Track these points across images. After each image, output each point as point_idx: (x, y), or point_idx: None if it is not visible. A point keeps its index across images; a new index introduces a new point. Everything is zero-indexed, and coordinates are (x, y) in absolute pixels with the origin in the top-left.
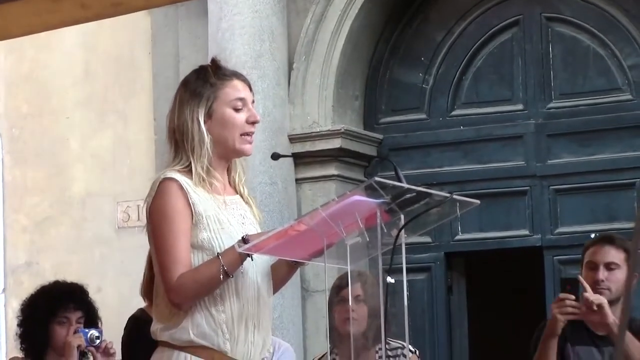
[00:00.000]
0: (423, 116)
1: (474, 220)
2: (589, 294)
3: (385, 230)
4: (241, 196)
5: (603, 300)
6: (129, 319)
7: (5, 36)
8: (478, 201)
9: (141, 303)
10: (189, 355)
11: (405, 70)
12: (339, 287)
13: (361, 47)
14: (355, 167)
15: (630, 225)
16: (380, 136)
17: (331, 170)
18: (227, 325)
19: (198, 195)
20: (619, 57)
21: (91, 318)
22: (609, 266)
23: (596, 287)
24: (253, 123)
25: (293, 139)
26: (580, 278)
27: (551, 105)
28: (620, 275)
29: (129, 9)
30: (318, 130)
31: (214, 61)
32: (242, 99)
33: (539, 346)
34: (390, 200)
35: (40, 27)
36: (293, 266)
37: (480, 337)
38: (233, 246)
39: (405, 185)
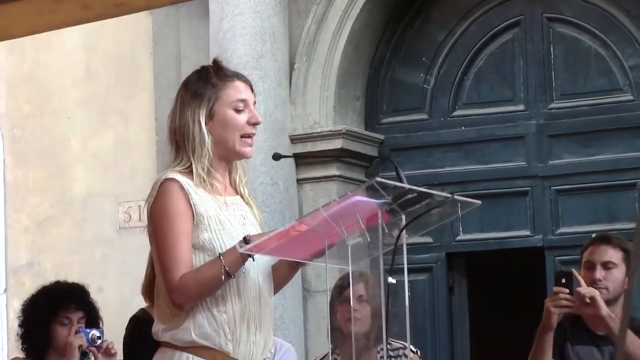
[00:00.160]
0: (424, 116)
1: (475, 221)
2: (582, 288)
3: (387, 231)
4: (242, 197)
5: (595, 292)
6: (130, 319)
7: (7, 36)
8: (479, 202)
9: (142, 303)
10: (190, 356)
11: (407, 70)
12: (342, 287)
13: (362, 48)
14: (357, 167)
15: (632, 225)
16: (382, 136)
17: (332, 170)
18: (228, 325)
19: (199, 196)
20: (620, 58)
21: (92, 318)
22: (606, 265)
23: (593, 286)
24: (254, 124)
25: (294, 140)
26: (575, 272)
27: (552, 105)
28: (617, 274)
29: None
30: (319, 130)
31: (215, 62)
32: (243, 100)
33: (535, 340)
34: (391, 200)
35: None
36: (294, 266)
37: (481, 338)
38: (234, 246)
39: (406, 185)
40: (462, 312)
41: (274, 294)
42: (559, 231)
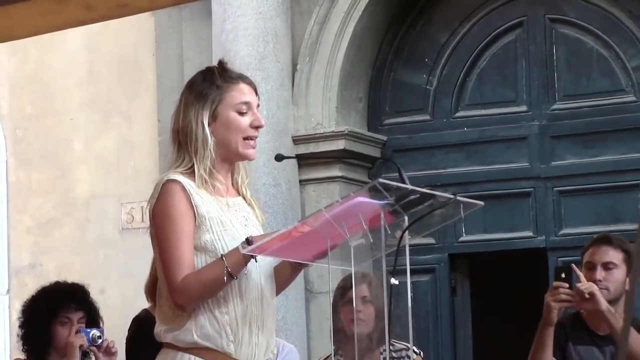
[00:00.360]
0: (427, 117)
1: (478, 222)
2: (581, 284)
3: (389, 232)
4: (244, 198)
5: (594, 288)
6: (133, 319)
7: (10, 37)
8: (482, 202)
9: (145, 304)
10: (193, 357)
11: (409, 71)
12: (345, 288)
13: (365, 49)
14: (359, 168)
15: (634, 226)
16: (384, 137)
17: (335, 171)
18: (230, 326)
19: (201, 197)
20: (623, 59)
21: (92, 318)
22: (607, 266)
23: None
24: (257, 127)
25: (297, 141)
26: (574, 266)
27: (555, 106)
28: (618, 275)
29: (133, 10)
30: (322, 131)
31: (220, 63)
32: (247, 103)
33: (535, 336)
34: (394, 201)
35: (45, 29)
36: (297, 268)
37: (484, 339)
38: (237, 248)
39: (409, 186)
40: (464, 313)
41: (276, 295)
42: (561, 232)
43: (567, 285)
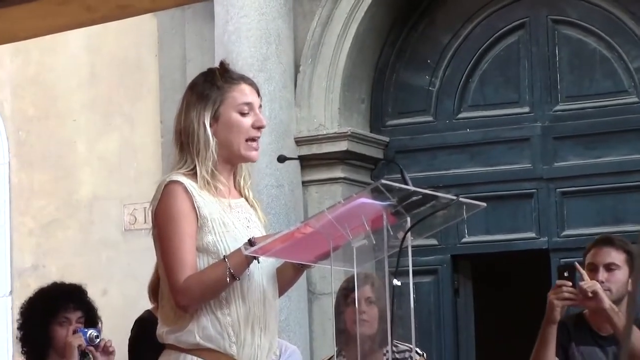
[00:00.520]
0: (429, 119)
1: (481, 223)
2: (584, 282)
3: (392, 233)
4: (246, 200)
5: (597, 286)
6: (136, 321)
7: (12, 39)
8: (484, 204)
9: (147, 305)
10: (195, 358)
11: (412, 72)
12: (348, 290)
13: (367, 50)
14: (362, 169)
15: (637, 227)
16: (387, 139)
17: (337, 172)
18: (233, 328)
19: (203, 198)
20: (626, 60)
21: (91, 318)
22: (609, 267)
23: None
24: (259, 128)
25: (299, 142)
26: (577, 265)
27: (557, 107)
28: (620, 276)
29: (134, 11)
30: (324, 132)
31: (222, 64)
32: (248, 104)
33: (538, 334)
34: (396, 202)
35: (46, 30)
36: (299, 269)
37: (486, 340)
38: (239, 249)
39: (411, 187)
40: (467, 314)
41: (279, 296)
42: (564, 233)
43: (570, 283)
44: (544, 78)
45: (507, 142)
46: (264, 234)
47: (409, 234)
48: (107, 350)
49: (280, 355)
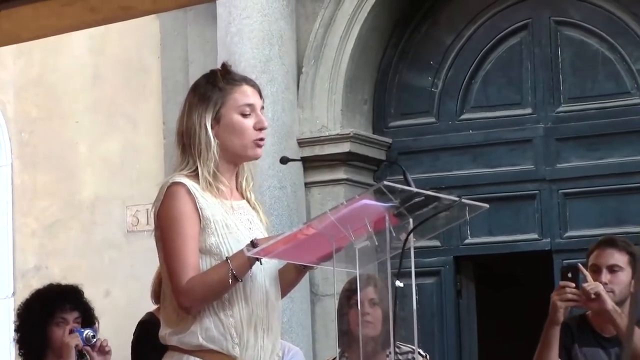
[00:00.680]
0: (432, 120)
1: (483, 224)
2: (587, 284)
3: (394, 234)
4: (248, 201)
5: (600, 287)
6: (138, 323)
7: (15, 40)
8: (487, 205)
9: (150, 307)
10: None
11: (414, 74)
12: (352, 291)
13: (370, 51)
14: (364, 171)
15: (639, 229)
16: (389, 140)
17: (340, 174)
18: (235, 329)
19: (206, 199)
20: (628, 61)
21: (88, 318)
22: (612, 268)
23: None
24: (260, 129)
25: (302, 143)
26: (580, 266)
27: (560, 109)
28: (623, 277)
29: (137, 12)
30: (327, 134)
31: (224, 66)
32: (250, 105)
33: (541, 335)
34: (399, 204)
35: (50, 31)
36: (301, 270)
37: (489, 341)
38: (242, 250)
39: (414, 189)
40: (470, 315)
41: (281, 297)
42: (566, 234)
43: (573, 284)
44: (546, 79)
45: (510, 143)
46: (266, 235)
47: (411, 235)
48: (103, 350)
49: (283, 357)
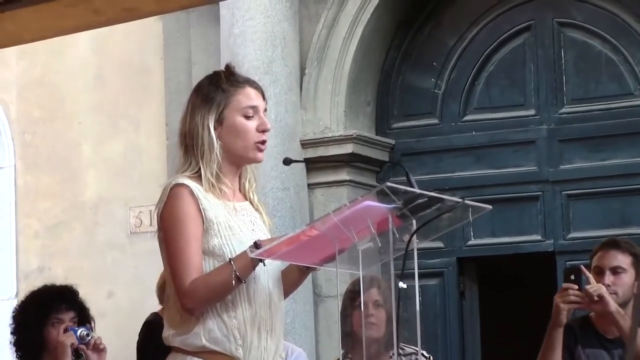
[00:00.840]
0: (435, 121)
1: (486, 226)
2: (590, 286)
3: (397, 236)
4: (251, 203)
5: (603, 289)
6: (143, 324)
7: (18, 41)
8: (490, 206)
9: (153, 308)
10: None
11: (417, 75)
12: (355, 292)
13: (373, 53)
14: (367, 172)
15: None
16: (392, 141)
17: (343, 175)
18: (239, 331)
19: (208, 201)
20: (631, 63)
21: (83, 317)
22: (615, 270)
23: None
24: (263, 131)
25: (305, 144)
26: (583, 268)
27: (563, 110)
28: (626, 279)
29: (140, 14)
30: (330, 135)
31: (227, 67)
32: (253, 107)
33: (545, 337)
34: (402, 205)
35: (53, 33)
36: (304, 271)
37: (492, 343)
38: (245, 251)
39: (417, 190)
40: (473, 316)
41: (284, 299)
42: (570, 236)
43: (576, 286)
44: (549, 80)
45: (513, 144)
46: (269, 237)
47: (414, 236)
48: (97, 348)
49: (286, 358)
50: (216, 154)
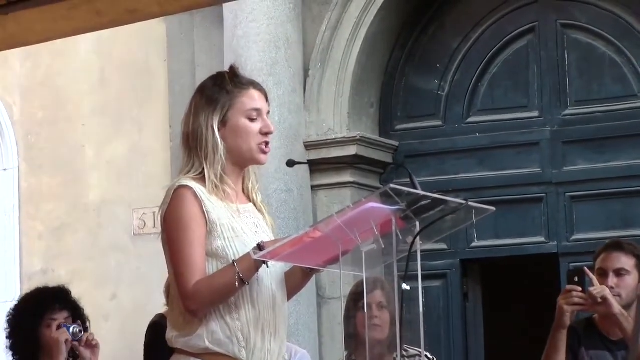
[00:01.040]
0: (439, 123)
1: (490, 227)
2: (593, 288)
3: (401, 237)
4: (254, 204)
5: (606, 291)
6: (149, 326)
7: (21, 43)
8: (493, 208)
9: (156, 310)
10: None
11: (421, 77)
12: (359, 294)
13: (377, 54)
14: (371, 174)
15: None
16: (396, 143)
17: (347, 177)
18: (242, 332)
19: (212, 203)
20: (635, 64)
21: (77, 317)
22: (619, 272)
23: None
24: (267, 134)
25: (308, 146)
26: (587, 270)
27: (567, 112)
28: (630, 281)
29: (143, 16)
30: (333, 137)
31: (232, 69)
32: (257, 110)
33: (548, 339)
34: (405, 207)
35: (56, 35)
36: (308, 273)
37: (496, 344)
38: (248, 253)
39: (420, 192)
40: (476, 318)
41: (287, 300)
42: (573, 237)
43: (579, 288)
44: (553, 82)
45: (516, 146)
46: (273, 238)
47: (418, 238)
48: (90, 344)
49: (290, 359)
50: (221, 156)
